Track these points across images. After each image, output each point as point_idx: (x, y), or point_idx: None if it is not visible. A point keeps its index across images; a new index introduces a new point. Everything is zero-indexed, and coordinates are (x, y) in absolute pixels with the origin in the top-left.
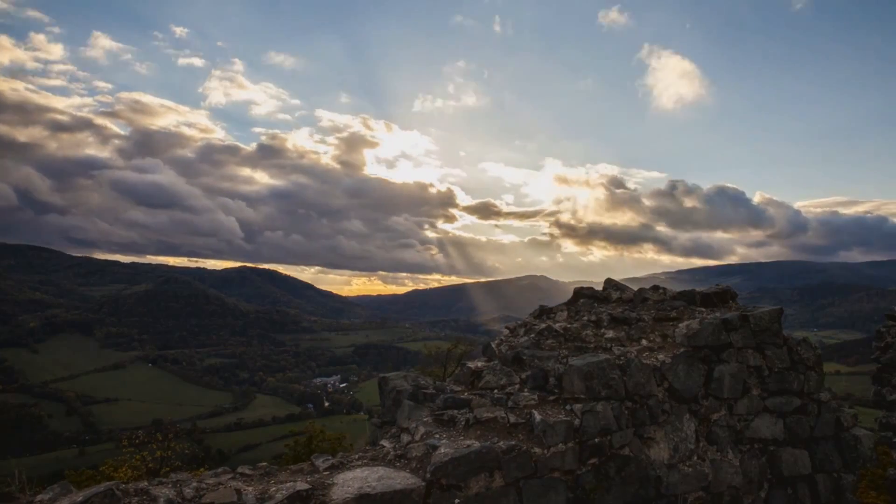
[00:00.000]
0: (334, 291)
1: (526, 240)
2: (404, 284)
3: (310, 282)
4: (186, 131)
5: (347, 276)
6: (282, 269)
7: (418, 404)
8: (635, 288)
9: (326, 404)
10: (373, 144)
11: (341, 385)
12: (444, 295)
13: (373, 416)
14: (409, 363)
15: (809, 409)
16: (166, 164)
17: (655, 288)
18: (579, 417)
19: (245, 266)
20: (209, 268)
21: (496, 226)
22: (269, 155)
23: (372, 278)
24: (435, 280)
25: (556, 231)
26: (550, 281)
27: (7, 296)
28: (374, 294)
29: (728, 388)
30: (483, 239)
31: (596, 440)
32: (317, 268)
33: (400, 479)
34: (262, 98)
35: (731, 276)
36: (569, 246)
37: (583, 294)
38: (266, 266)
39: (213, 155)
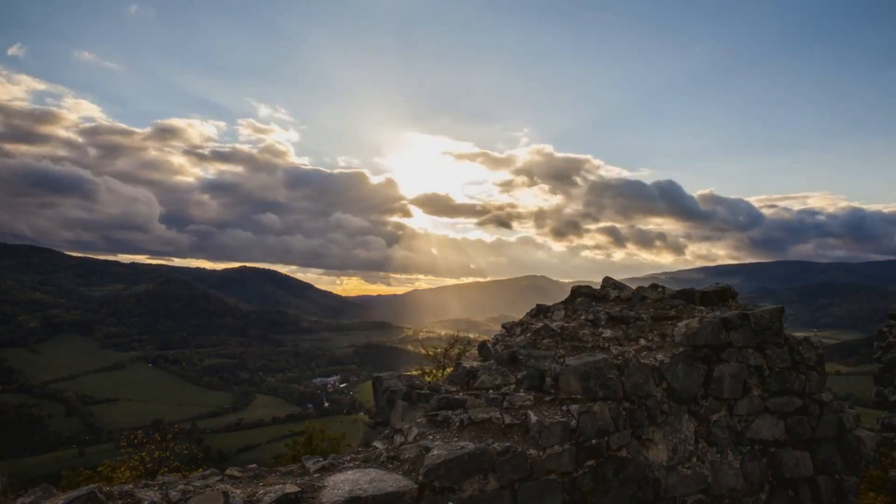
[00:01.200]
0: (334, 292)
1: (492, 238)
2: (390, 285)
3: (310, 282)
4: (55, 108)
5: (331, 275)
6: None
7: (412, 405)
8: (634, 287)
9: (326, 404)
10: (272, 131)
11: (341, 385)
12: (444, 295)
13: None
14: (409, 363)
15: (811, 410)
16: (51, 146)
17: (654, 286)
18: (576, 418)
19: (245, 266)
20: (209, 268)
21: (454, 223)
22: (167, 137)
23: (353, 278)
24: (421, 280)
25: (516, 224)
26: (551, 281)
27: (7, 296)
28: (374, 294)
29: (728, 389)
30: (453, 236)
31: (593, 441)
32: (294, 266)
33: (392, 481)
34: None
35: (731, 276)
36: (545, 242)
37: (580, 293)
38: (223, 266)
39: (100, 137)
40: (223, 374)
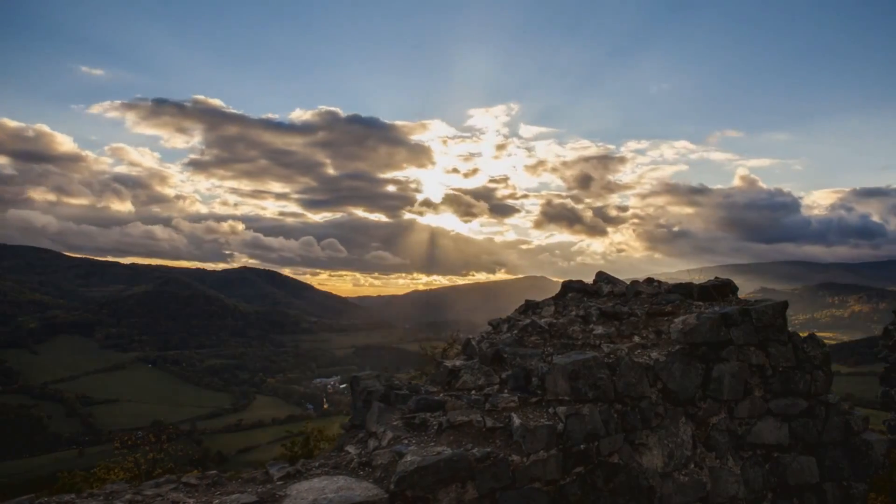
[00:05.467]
0: (334, 292)
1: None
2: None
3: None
4: None
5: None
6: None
7: (389, 406)
8: (629, 282)
9: (326, 405)
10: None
11: (341, 386)
12: (445, 296)
13: None
14: (408, 364)
15: (817, 412)
16: None
17: (650, 280)
18: (563, 421)
19: (245, 267)
20: (209, 269)
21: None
22: None
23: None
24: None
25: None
26: (552, 282)
27: (7, 297)
28: (374, 295)
29: (728, 389)
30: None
31: (582, 447)
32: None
33: (361, 489)
34: None
35: (731, 276)
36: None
37: (572, 287)
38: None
39: None
40: (223, 375)
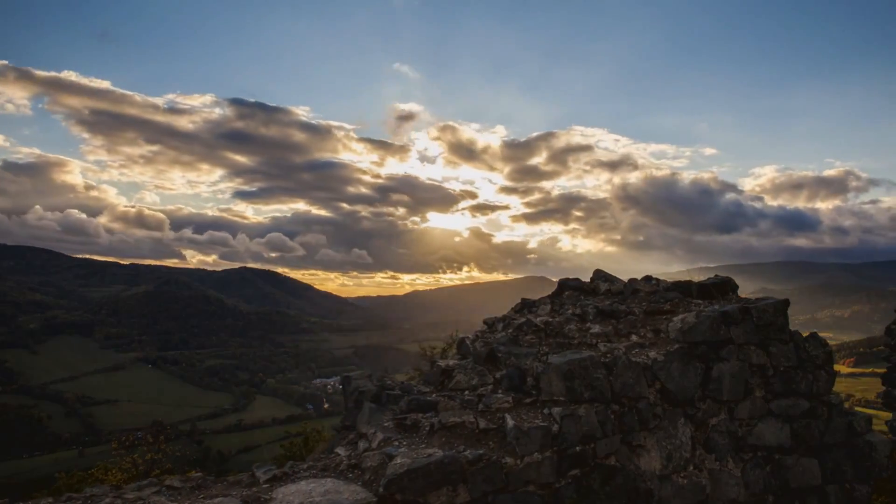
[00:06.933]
0: (334, 293)
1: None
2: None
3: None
4: None
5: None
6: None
7: (381, 407)
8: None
9: (326, 405)
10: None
11: (340, 386)
12: (444, 296)
13: None
14: (408, 364)
15: (819, 413)
16: None
17: (648, 278)
18: (558, 422)
19: (245, 267)
20: (209, 269)
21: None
22: None
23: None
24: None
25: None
26: (552, 282)
27: (7, 297)
28: (374, 295)
29: (728, 390)
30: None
31: (577, 448)
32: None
33: (349, 493)
34: None
35: (730, 275)
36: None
37: (568, 286)
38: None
39: None
40: (223, 375)
